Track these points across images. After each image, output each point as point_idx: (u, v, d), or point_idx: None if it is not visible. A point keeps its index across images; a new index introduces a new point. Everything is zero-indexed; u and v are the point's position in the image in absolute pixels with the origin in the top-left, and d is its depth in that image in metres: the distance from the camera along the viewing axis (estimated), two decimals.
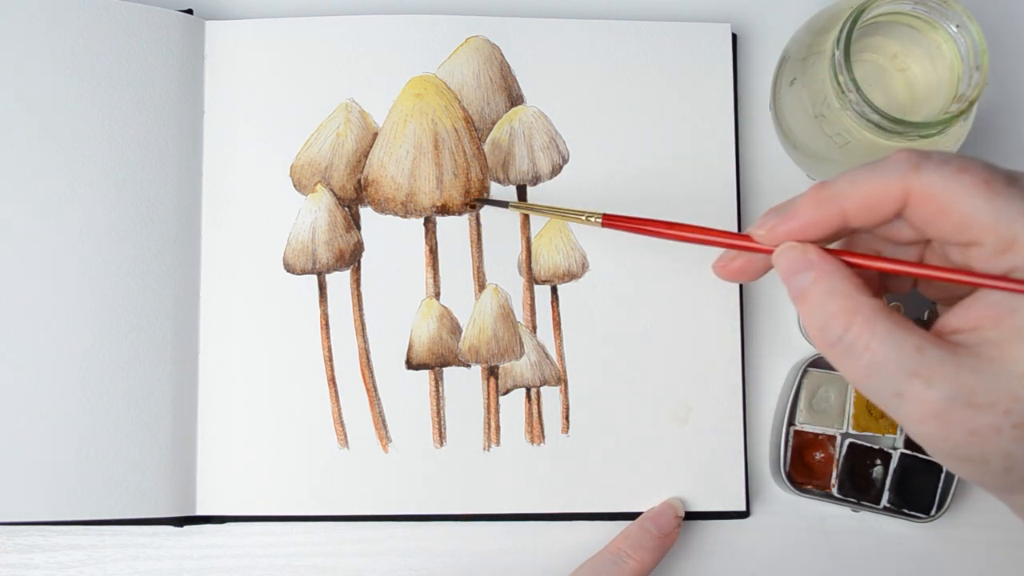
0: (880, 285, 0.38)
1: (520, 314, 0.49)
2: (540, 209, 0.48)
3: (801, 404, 0.49)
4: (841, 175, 0.35)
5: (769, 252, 0.36)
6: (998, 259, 0.32)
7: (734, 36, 0.51)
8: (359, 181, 0.49)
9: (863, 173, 0.34)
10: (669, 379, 0.49)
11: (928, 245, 0.36)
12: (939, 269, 0.34)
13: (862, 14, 0.42)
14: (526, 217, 0.50)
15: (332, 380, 0.49)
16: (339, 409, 0.48)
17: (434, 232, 0.49)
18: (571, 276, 0.49)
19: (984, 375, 0.31)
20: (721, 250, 0.40)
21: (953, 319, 0.34)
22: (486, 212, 0.49)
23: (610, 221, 0.42)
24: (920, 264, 0.35)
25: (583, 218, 0.44)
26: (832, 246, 0.36)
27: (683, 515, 0.48)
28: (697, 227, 0.39)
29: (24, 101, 0.47)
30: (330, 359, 0.49)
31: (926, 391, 0.32)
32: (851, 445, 0.49)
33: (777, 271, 0.36)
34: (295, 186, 0.49)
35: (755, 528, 0.50)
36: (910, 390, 0.32)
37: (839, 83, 0.42)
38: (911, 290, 0.39)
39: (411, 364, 0.49)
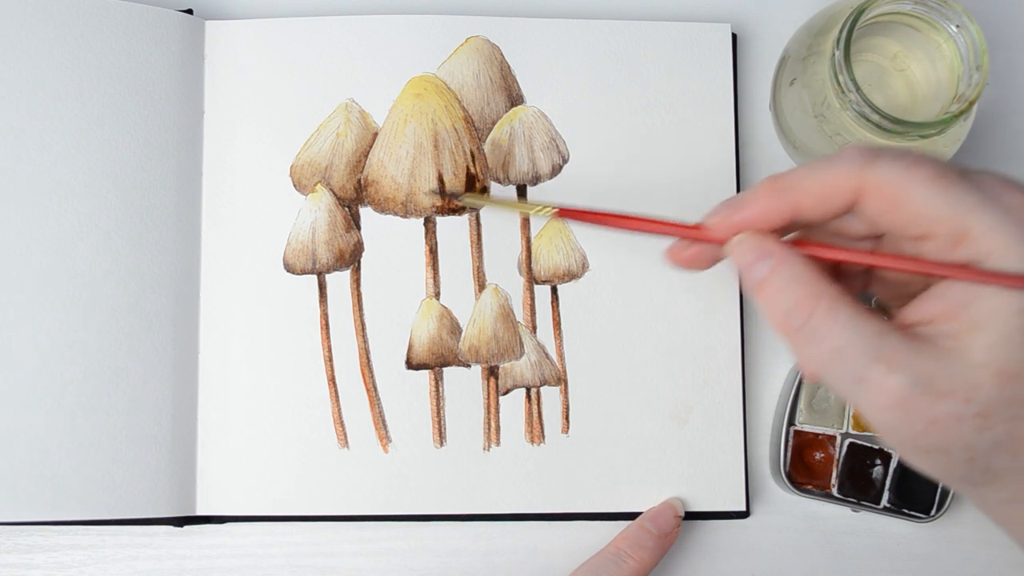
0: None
1: (520, 314, 0.49)
2: (494, 203, 0.48)
3: (801, 404, 0.49)
4: (795, 168, 0.35)
5: (721, 242, 0.36)
6: (951, 251, 0.32)
7: (734, 36, 0.51)
8: (359, 181, 0.49)
9: (817, 166, 0.34)
10: (669, 379, 0.49)
11: (879, 242, 0.36)
12: (895, 259, 0.34)
13: (862, 14, 0.42)
14: (526, 217, 0.50)
15: (332, 380, 0.48)
16: (339, 409, 0.48)
17: (434, 232, 0.49)
18: (571, 276, 0.49)
19: (943, 363, 0.32)
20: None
21: (909, 314, 0.34)
22: (486, 212, 0.49)
23: (564, 213, 0.42)
24: (877, 253, 0.35)
25: (535, 210, 0.44)
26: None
27: (683, 515, 0.48)
28: (649, 218, 0.39)
29: (24, 101, 0.47)
30: (330, 359, 0.49)
31: (887, 377, 0.32)
32: (851, 445, 0.49)
33: (732, 260, 0.36)
34: (295, 186, 0.49)
35: (755, 528, 0.50)
36: (872, 376, 0.32)
37: (839, 83, 0.42)
38: (861, 293, 0.39)
39: (411, 364, 0.49)
